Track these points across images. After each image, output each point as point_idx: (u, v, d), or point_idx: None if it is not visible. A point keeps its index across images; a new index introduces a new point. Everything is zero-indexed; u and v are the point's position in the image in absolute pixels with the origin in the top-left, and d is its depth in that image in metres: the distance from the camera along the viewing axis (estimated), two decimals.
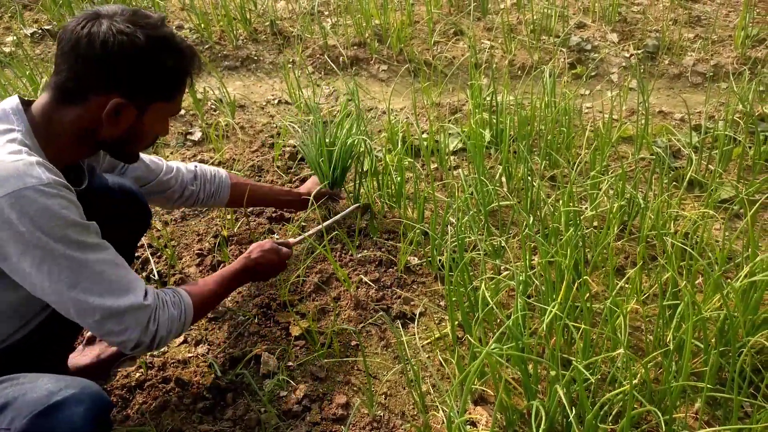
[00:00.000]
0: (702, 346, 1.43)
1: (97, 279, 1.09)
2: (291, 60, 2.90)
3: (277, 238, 1.88)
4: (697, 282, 1.67)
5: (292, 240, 1.72)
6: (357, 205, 1.93)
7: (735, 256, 1.76)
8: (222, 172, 1.74)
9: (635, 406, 1.26)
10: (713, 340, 1.41)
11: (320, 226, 1.81)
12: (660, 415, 1.18)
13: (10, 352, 1.18)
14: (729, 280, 1.53)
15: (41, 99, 1.14)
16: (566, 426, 1.32)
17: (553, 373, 1.27)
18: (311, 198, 1.81)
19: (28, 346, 1.21)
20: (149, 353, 1.63)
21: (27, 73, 2.54)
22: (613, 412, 1.26)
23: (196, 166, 1.69)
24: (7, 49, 2.97)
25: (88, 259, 1.08)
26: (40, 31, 3.13)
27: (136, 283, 1.17)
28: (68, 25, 1.11)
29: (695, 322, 1.31)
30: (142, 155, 1.53)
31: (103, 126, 1.14)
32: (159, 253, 1.96)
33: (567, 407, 1.16)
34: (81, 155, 1.21)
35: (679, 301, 1.44)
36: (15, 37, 3.06)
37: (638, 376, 1.40)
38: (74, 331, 1.39)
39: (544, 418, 1.15)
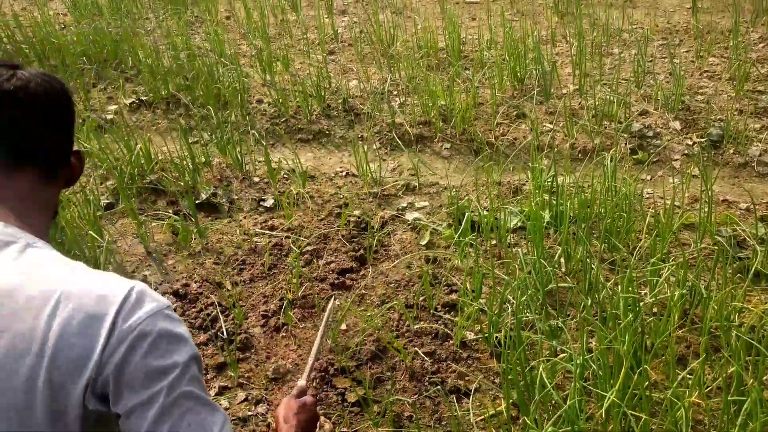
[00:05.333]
0: None
1: None
2: (360, 135, 3.09)
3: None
4: (765, 378, 1.62)
5: (302, 382, 1.34)
6: (330, 304, 1.53)
7: None
8: None
9: None
10: None
11: (314, 349, 1.42)
12: None
13: None
14: None
15: None
16: None
17: None
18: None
19: None
20: None
21: (125, 139, 2.81)
22: None
23: None
24: (109, 117, 3.31)
25: None
26: (137, 101, 3.47)
27: None
28: None
29: (764, 421, 1.28)
30: None
31: None
32: (227, 312, 2.07)
33: None
34: None
35: (745, 398, 1.41)
36: (116, 106, 3.42)
37: None
38: None
39: None
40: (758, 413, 1.28)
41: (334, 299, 1.92)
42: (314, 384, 1.77)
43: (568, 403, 1.42)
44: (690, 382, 1.56)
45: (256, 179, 2.81)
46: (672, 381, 1.50)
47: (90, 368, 0.76)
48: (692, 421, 1.53)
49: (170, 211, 2.59)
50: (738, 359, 1.48)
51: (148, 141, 2.85)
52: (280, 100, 3.30)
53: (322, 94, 3.33)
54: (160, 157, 2.89)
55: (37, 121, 0.91)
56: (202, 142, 3.07)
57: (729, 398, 1.42)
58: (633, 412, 1.43)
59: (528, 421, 1.41)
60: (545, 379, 1.44)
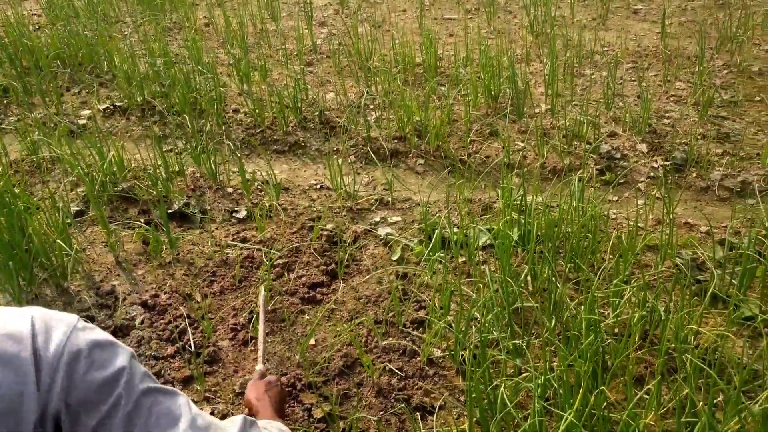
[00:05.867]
0: None
1: None
2: (335, 148, 3.11)
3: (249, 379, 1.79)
4: (718, 399, 1.68)
5: (260, 366, 1.56)
6: (262, 293, 1.89)
7: (758, 376, 1.77)
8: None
9: None
10: None
11: (260, 332, 1.73)
12: None
13: None
14: (751, 401, 1.55)
15: None
16: None
17: None
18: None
19: None
20: None
21: (97, 145, 2.79)
22: None
23: None
24: (81, 122, 3.28)
25: None
26: (111, 107, 3.44)
27: None
28: None
29: None
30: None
31: None
32: (196, 324, 2.07)
33: None
34: None
35: (698, 419, 1.46)
36: (89, 111, 3.38)
37: None
38: None
39: None
40: None
41: (263, 288, 2.03)
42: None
43: (528, 422, 1.46)
44: (647, 402, 1.61)
45: (230, 190, 2.80)
46: (629, 402, 1.55)
47: (31, 412, 0.72)
48: None
49: (141, 220, 2.57)
50: (690, 383, 1.54)
51: (121, 148, 2.83)
52: (257, 110, 3.30)
53: (299, 105, 3.34)
54: (133, 165, 2.87)
55: None
56: (177, 150, 3.06)
57: (682, 420, 1.48)
58: None
59: None
60: (506, 398, 1.47)
